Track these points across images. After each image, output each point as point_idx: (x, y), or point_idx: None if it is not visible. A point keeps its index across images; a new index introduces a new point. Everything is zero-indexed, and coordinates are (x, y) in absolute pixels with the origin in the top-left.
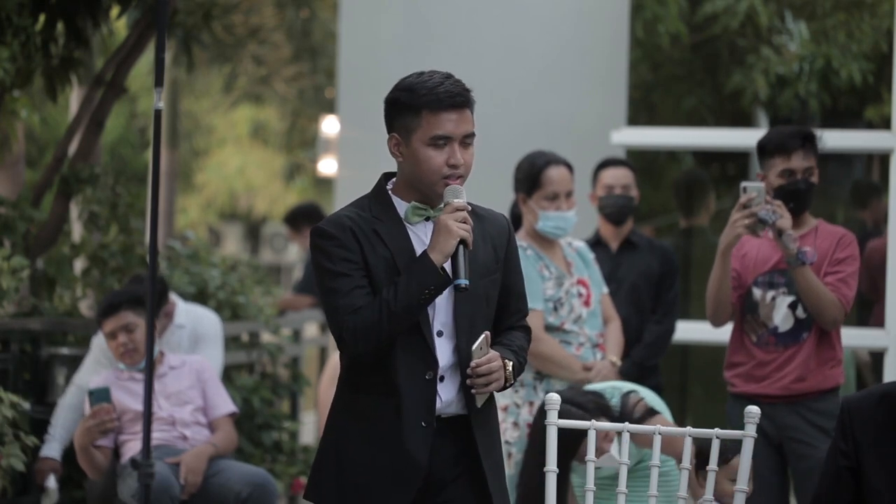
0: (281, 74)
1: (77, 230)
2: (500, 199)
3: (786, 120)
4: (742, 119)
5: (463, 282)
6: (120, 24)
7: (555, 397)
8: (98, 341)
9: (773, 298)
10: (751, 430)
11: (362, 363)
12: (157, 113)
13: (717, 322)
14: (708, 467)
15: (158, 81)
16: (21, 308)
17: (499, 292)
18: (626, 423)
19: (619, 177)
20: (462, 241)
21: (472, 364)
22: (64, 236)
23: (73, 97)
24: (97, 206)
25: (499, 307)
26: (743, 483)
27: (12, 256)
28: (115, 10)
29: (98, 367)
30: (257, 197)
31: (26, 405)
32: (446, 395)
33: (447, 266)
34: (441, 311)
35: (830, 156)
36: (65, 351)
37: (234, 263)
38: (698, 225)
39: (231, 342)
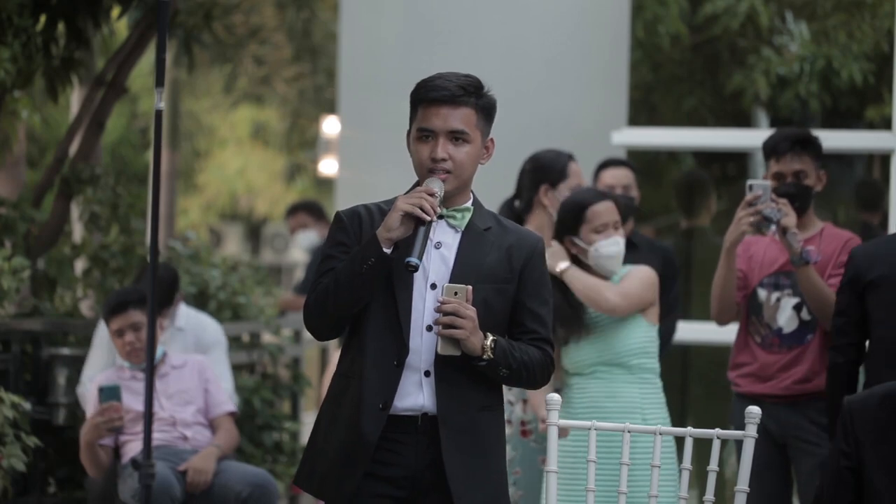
0: (281, 75)
1: (78, 231)
2: (499, 198)
3: (786, 121)
4: (742, 119)
5: (413, 260)
6: (121, 25)
7: (555, 397)
8: (99, 337)
9: (778, 300)
10: (751, 431)
11: (345, 352)
12: (158, 113)
13: (722, 321)
14: (708, 468)
15: (159, 82)
16: (22, 308)
17: (511, 307)
18: (627, 424)
19: (619, 177)
20: (419, 221)
21: (440, 299)
22: (65, 237)
23: (74, 98)
24: (98, 206)
25: (511, 322)
26: (743, 483)
27: (13, 257)
28: (115, 11)
29: (105, 361)
30: (258, 198)
31: (27, 405)
32: (429, 391)
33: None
34: (432, 306)
35: (831, 156)
36: (66, 351)
37: (234, 264)
38: (699, 225)
39: (232, 343)
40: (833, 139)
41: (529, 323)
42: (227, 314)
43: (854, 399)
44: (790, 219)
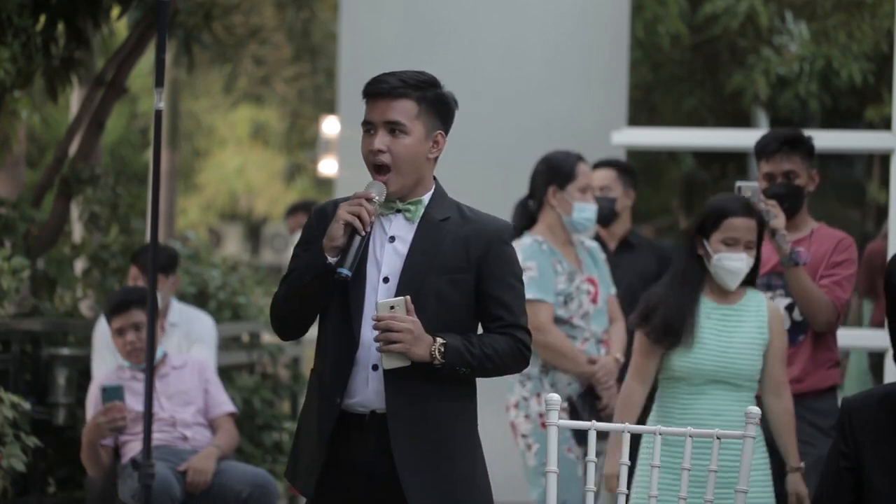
0: (281, 75)
1: (78, 231)
2: (499, 198)
3: (786, 120)
4: (742, 119)
5: (343, 271)
6: (120, 25)
7: (555, 397)
8: (100, 337)
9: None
10: (751, 431)
11: (316, 348)
12: (158, 113)
13: None
14: (708, 467)
15: (159, 82)
16: (22, 308)
17: (476, 297)
18: (626, 424)
19: (599, 178)
20: (353, 229)
21: (374, 316)
22: (64, 237)
23: (74, 97)
24: (98, 206)
25: (480, 313)
26: (743, 483)
27: (13, 257)
28: (115, 11)
29: (105, 361)
30: (258, 197)
31: (27, 405)
32: (376, 386)
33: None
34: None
35: (831, 156)
36: (65, 351)
37: (234, 264)
38: None
39: (232, 343)
40: (833, 139)
41: (495, 310)
42: (226, 314)
43: (853, 399)
44: (779, 220)
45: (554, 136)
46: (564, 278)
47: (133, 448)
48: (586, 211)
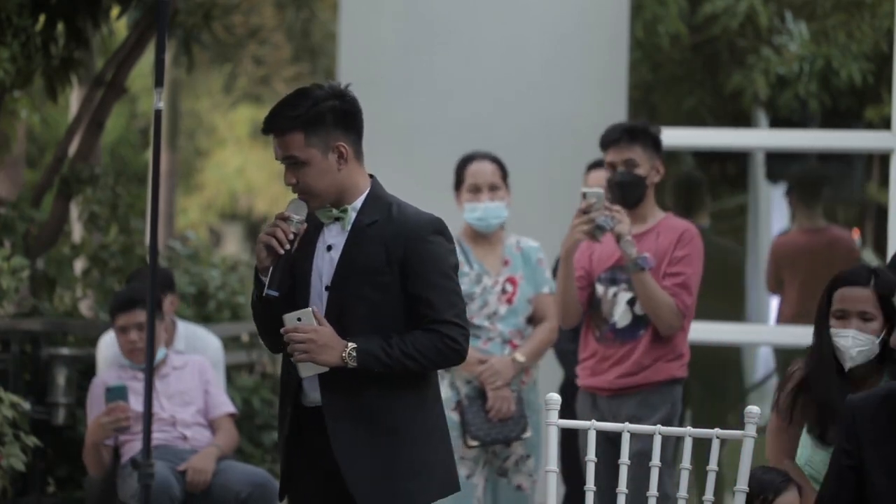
0: (281, 75)
1: (77, 230)
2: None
3: (786, 120)
4: (742, 119)
5: (270, 292)
6: (120, 25)
7: (554, 397)
8: (106, 358)
9: (615, 295)
10: (751, 431)
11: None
12: (157, 113)
13: (566, 324)
14: (708, 467)
15: (158, 82)
16: (21, 308)
17: (404, 297)
18: (627, 424)
19: (592, 180)
20: (275, 251)
21: (281, 330)
22: (64, 237)
23: (74, 97)
24: (97, 206)
25: (409, 312)
26: (743, 483)
27: (12, 257)
28: (115, 11)
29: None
30: (257, 197)
31: (26, 405)
32: (311, 386)
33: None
34: (318, 309)
35: (831, 156)
36: (65, 351)
37: (234, 264)
38: (697, 225)
39: (231, 342)
40: (833, 139)
41: (420, 309)
42: (226, 314)
43: (857, 398)
44: (623, 226)
45: (554, 136)
46: (469, 279)
47: (133, 448)
48: (476, 211)
